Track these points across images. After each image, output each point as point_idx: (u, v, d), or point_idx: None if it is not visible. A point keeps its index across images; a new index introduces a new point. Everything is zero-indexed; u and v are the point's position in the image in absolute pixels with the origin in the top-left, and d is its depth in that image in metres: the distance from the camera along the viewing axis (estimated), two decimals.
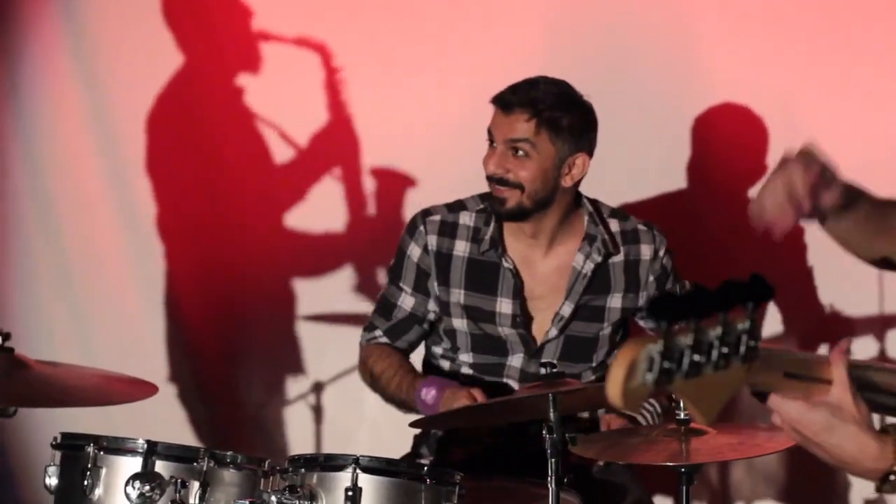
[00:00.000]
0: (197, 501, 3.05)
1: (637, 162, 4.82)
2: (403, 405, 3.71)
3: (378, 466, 3.06)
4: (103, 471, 3.08)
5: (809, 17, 4.79)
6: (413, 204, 4.89)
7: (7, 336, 3.20)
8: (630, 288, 3.74)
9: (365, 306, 4.88)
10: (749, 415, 4.49)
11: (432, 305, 3.75)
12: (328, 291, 5.14)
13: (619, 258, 3.74)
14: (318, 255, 5.14)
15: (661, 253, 3.76)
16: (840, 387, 1.92)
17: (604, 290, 3.73)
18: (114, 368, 3.51)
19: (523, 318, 3.69)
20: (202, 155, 5.18)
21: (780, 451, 3.55)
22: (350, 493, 3.01)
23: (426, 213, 3.77)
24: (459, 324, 3.72)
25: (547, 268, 3.72)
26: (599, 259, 3.70)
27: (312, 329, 5.14)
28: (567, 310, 3.70)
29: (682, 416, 3.23)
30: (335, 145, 5.11)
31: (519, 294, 3.69)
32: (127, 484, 3.04)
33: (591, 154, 3.66)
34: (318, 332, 5.13)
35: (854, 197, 2.58)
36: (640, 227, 3.78)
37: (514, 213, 3.63)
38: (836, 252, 4.70)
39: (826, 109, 4.74)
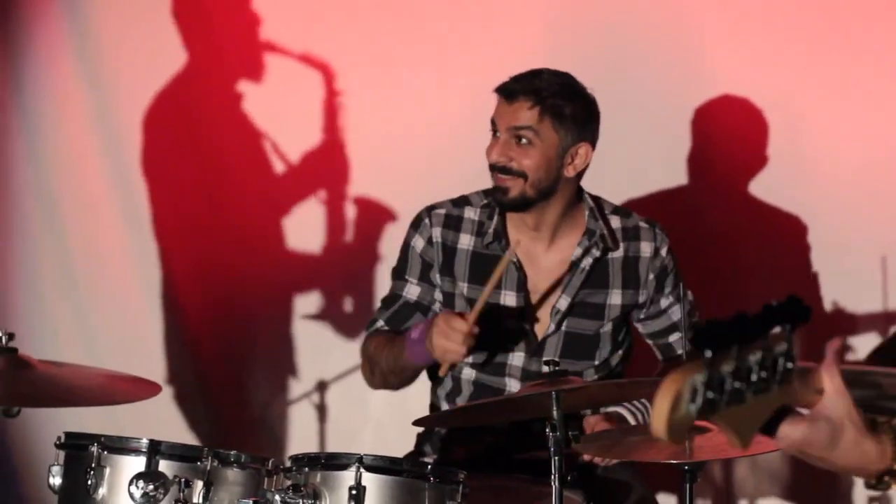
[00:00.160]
0: (200, 501, 3.05)
1: (638, 159, 4.81)
2: (397, 363, 3.66)
3: (381, 465, 3.06)
4: (107, 470, 3.08)
5: (810, 15, 4.78)
6: (392, 237, 4.91)
7: (11, 336, 3.20)
8: (629, 284, 3.74)
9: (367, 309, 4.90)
10: None
11: (438, 295, 3.75)
12: None
13: (618, 254, 3.74)
14: (293, 273, 5.15)
15: (663, 251, 3.77)
16: (835, 396, 1.90)
17: (602, 285, 3.73)
18: (117, 368, 3.51)
19: (527, 312, 3.70)
20: (200, 155, 5.18)
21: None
22: (354, 492, 3.01)
23: (431, 207, 3.78)
24: None
25: (549, 262, 3.72)
26: (598, 253, 3.70)
27: (316, 328, 5.14)
28: (563, 303, 3.70)
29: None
30: (324, 168, 5.11)
31: (523, 287, 3.70)
32: (130, 483, 3.04)
33: (593, 145, 3.66)
34: (322, 332, 5.13)
35: None
36: (642, 224, 3.78)
37: (516, 203, 3.63)
38: (839, 248, 4.74)
39: (826, 108, 4.74)
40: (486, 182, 3.73)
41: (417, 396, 3.95)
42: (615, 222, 3.76)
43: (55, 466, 3.15)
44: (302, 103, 5.08)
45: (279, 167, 5.12)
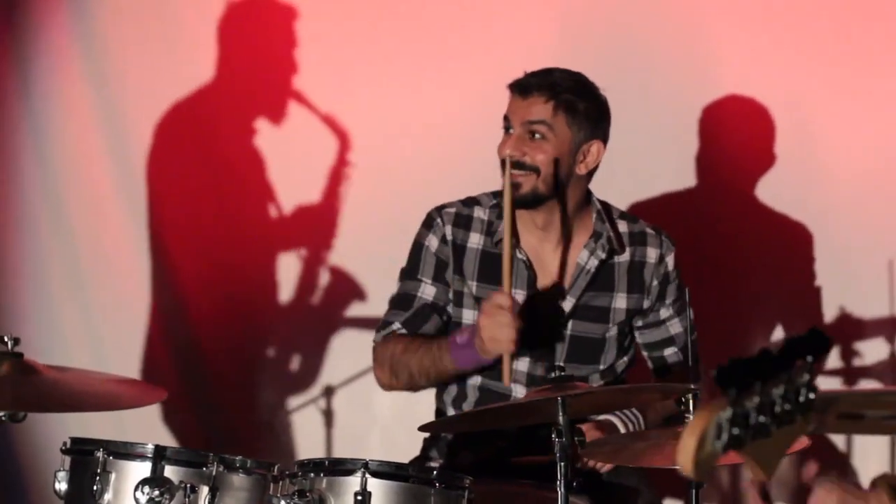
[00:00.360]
0: None
1: (645, 160, 4.81)
2: (434, 368, 3.61)
3: (387, 470, 3.05)
4: (112, 476, 3.08)
5: (818, 17, 4.78)
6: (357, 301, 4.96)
7: (17, 341, 3.20)
8: (634, 289, 3.74)
9: (368, 312, 4.90)
10: None
11: (452, 296, 3.74)
12: None
13: (624, 258, 3.74)
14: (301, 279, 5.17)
15: (668, 259, 3.77)
16: None
17: (607, 288, 3.73)
18: (124, 373, 3.51)
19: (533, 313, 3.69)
20: (211, 163, 5.18)
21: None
22: (359, 498, 3.01)
23: (441, 207, 3.77)
24: (469, 316, 3.70)
25: (556, 264, 3.72)
26: (603, 256, 3.70)
27: (323, 334, 5.14)
28: (568, 304, 3.70)
29: (690, 419, 3.23)
30: (312, 228, 5.13)
31: (532, 286, 3.70)
32: (136, 489, 3.04)
33: (605, 143, 3.67)
34: (329, 337, 5.13)
35: None
36: (649, 230, 3.78)
37: (528, 199, 3.63)
38: (846, 253, 4.73)
39: (834, 110, 4.74)
40: (492, 185, 3.73)
41: (424, 402, 3.94)
42: (622, 226, 3.76)
43: (61, 472, 3.15)
44: (311, 159, 5.09)
45: (274, 212, 5.15)
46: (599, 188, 3.78)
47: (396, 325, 3.75)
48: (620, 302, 3.74)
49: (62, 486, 3.14)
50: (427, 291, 3.74)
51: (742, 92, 4.81)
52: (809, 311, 4.75)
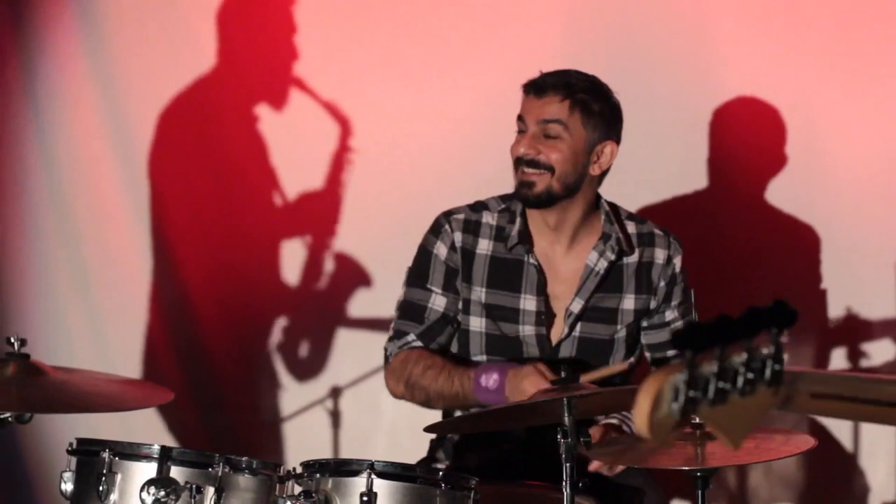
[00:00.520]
0: None
1: (654, 162, 4.81)
2: (455, 400, 3.64)
3: (393, 471, 3.06)
4: (118, 476, 3.08)
5: (827, 18, 4.78)
6: (363, 300, 4.96)
7: (23, 342, 3.21)
8: (642, 290, 3.74)
9: (378, 312, 4.89)
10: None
11: (461, 304, 3.74)
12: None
13: (633, 259, 3.74)
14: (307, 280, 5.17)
15: (676, 260, 3.77)
16: None
17: (616, 289, 3.73)
18: (130, 374, 3.51)
19: (546, 316, 3.69)
20: (214, 160, 5.19)
21: (797, 454, 3.53)
22: (365, 499, 3.01)
23: (449, 212, 3.76)
24: (477, 323, 3.70)
25: (567, 267, 3.72)
26: (613, 257, 3.70)
27: (328, 334, 5.14)
28: (577, 306, 3.69)
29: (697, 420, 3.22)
30: (316, 215, 5.13)
31: (543, 290, 3.69)
32: (142, 489, 3.04)
33: (618, 145, 3.67)
34: (336, 337, 5.13)
35: None
36: (657, 231, 3.79)
37: (541, 199, 3.63)
38: (853, 254, 4.73)
39: (842, 112, 4.74)
40: (500, 189, 3.72)
41: None
42: (631, 227, 3.77)
43: (67, 472, 3.15)
44: (314, 145, 5.09)
45: (278, 199, 5.15)
46: (607, 190, 3.78)
47: (411, 337, 3.73)
48: (628, 303, 3.74)
49: (68, 486, 3.14)
50: (438, 302, 3.72)
51: (751, 93, 4.80)
52: (817, 312, 4.74)
